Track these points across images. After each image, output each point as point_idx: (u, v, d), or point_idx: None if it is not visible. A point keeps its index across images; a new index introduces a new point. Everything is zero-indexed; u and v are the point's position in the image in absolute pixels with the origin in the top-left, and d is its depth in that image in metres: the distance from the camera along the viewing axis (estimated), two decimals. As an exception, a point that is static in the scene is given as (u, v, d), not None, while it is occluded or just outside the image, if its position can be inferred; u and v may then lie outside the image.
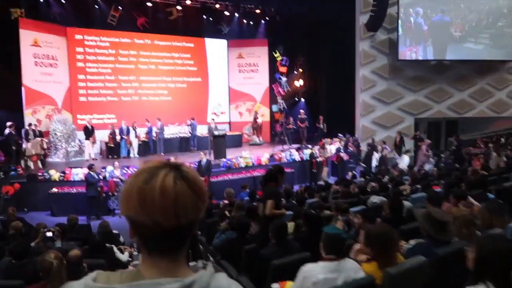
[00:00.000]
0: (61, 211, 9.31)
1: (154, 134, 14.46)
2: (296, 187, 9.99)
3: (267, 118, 18.22)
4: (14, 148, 11.58)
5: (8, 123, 11.56)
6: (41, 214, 9.55)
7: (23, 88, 13.37)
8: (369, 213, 3.70)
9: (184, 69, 17.37)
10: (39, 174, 9.99)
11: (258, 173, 11.42)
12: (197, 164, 10.41)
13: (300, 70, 18.71)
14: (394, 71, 15.84)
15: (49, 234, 4.66)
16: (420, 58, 15.67)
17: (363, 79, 15.77)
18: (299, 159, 12.93)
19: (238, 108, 18.68)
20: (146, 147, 14.35)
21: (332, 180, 11.30)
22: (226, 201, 7.34)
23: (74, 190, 9.61)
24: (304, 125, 15.70)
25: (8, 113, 12.93)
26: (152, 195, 0.82)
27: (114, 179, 9.53)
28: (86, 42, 15.31)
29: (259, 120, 17.19)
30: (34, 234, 5.16)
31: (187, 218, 0.84)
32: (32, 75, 13.61)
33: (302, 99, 18.79)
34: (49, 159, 13.33)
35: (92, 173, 9.25)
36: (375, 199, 5.79)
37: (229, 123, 18.40)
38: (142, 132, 14.51)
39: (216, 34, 17.92)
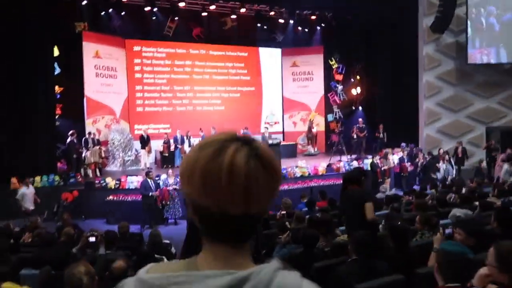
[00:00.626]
0: (116, 219, 9.25)
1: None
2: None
3: (322, 127, 17.53)
4: (75, 156, 11.90)
5: (70, 132, 11.90)
6: (97, 222, 9.56)
7: (85, 99, 13.84)
8: (474, 227, 2.97)
9: (237, 78, 17.24)
10: (96, 181, 10.09)
11: (314, 183, 10.79)
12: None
13: (358, 77, 17.88)
14: (462, 76, 14.60)
15: (92, 239, 4.34)
16: (493, 61, 14.32)
17: (427, 85, 14.68)
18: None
19: (292, 117, 18.19)
20: (200, 157, 14.19)
21: (395, 192, 10.42)
22: (283, 212, 6.81)
23: (129, 198, 9.57)
24: (363, 134, 14.85)
25: (71, 122, 13.43)
26: (218, 175, 0.69)
27: (168, 188, 9.35)
28: (143, 54, 15.65)
29: (314, 130, 16.57)
30: (78, 240, 4.95)
31: (259, 204, 0.72)
32: (93, 86, 14.06)
33: (360, 108, 17.89)
34: (107, 168, 13.62)
35: (149, 180, 9.14)
36: (458, 212, 5.01)
37: (283, 133, 17.92)
38: (196, 141, 14.41)
39: (270, 42, 17.65)
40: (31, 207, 9.13)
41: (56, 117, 13.27)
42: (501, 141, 15.70)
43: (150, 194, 8.99)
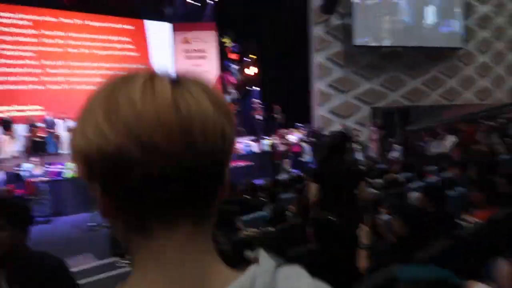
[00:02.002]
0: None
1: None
2: (258, 182, 8.73)
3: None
4: None
5: None
6: None
7: None
8: (411, 213, 2.41)
9: (123, 54, 15.43)
10: None
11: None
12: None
13: (253, 56, 17.50)
14: (349, 58, 15.16)
15: None
16: (375, 44, 15.10)
17: (319, 66, 14.93)
18: (258, 151, 11.72)
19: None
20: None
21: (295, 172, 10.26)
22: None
23: None
24: (260, 115, 14.56)
25: None
26: (129, 100, 0.43)
27: (33, 180, 7.64)
28: (2, 20, 12.92)
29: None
30: None
31: (209, 145, 0.44)
32: None
33: (256, 88, 17.60)
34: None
35: None
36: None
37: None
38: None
39: (159, 16, 16.16)
40: None
41: None
42: (383, 121, 16.96)
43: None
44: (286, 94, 15.48)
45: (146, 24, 16.01)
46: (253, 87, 17.62)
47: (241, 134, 13.93)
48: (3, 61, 12.94)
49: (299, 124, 13.85)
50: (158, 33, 16.34)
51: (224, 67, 16.91)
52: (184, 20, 16.54)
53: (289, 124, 14.12)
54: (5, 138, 11.20)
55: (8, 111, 12.37)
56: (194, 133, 0.44)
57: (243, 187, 6.60)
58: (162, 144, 0.42)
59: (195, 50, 16.89)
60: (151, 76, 0.47)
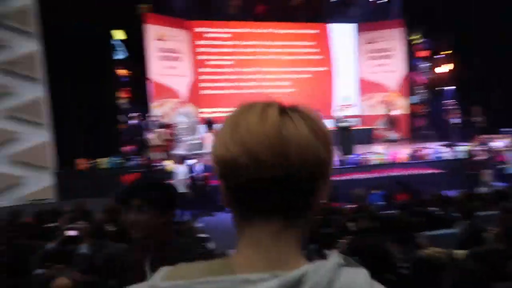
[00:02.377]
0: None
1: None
2: (448, 193, 7.61)
3: (405, 110, 15.61)
4: (138, 139, 11.73)
5: (133, 114, 11.74)
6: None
7: (150, 82, 13.66)
8: None
9: (308, 58, 15.95)
10: (154, 164, 9.67)
11: (394, 173, 9.29)
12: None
13: (447, 52, 15.54)
14: None
15: (72, 233, 3.41)
16: None
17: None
18: (451, 157, 10.26)
19: (370, 100, 16.47)
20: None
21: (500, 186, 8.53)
22: (352, 206, 5.63)
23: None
24: (456, 118, 12.78)
25: (137, 106, 13.32)
26: (247, 123, 0.60)
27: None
28: (207, 35, 15.08)
29: (394, 113, 14.77)
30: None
31: (302, 161, 0.57)
32: (158, 69, 13.82)
33: (450, 88, 15.58)
34: (174, 152, 13.37)
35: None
36: None
37: (359, 116, 16.30)
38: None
39: (343, 17, 16.03)
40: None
41: (124, 101, 13.25)
42: None
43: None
44: (488, 94, 13.17)
45: (330, 27, 16.13)
46: (446, 86, 15.64)
47: (430, 139, 12.56)
48: (208, 70, 15.08)
49: (505, 129, 11.53)
50: (342, 35, 16.26)
51: (411, 66, 15.57)
52: (369, 19, 15.97)
53: (492, 129, 11.91)
54: (208, 135, 12.98)
55: (211, 112, 14.32)
56: (290, 152, 0.57)
57: (429, 197, 5.84)
58: (263, 157, 0.57)
59: (380, 49, 16.13)
60: (267, 105, 0.62)
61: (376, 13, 15.87)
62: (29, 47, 9.69)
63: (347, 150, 10.57)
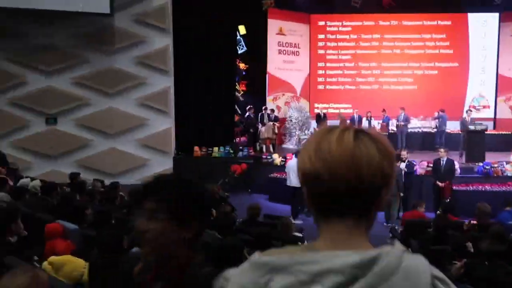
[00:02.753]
0: (277, 197, 8.84)
1: (393, 126, 12.57)
2: None
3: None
4: (251, 130, 12.14)
5: (248, 107, 12.16)
6: (261, 197, 9.38)
7: (267, 76, 13.99)
8: None
9: (436, 52, 14.45)
10: (263, 157, 9.88)
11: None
12: (432, 164, 7.95)
13: None
14: None
15: None
16: None
17: None
18: None
19: (510, 101, 14.27)
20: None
21: None
22: (473, 221, 4.91)
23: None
24: None
25: (253, 99, 13.79)
26: (328, 143, 0.74)
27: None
28: (328, 28, 14.76)
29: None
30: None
31: (370, 175, 0.73)
32: (275, 63, 14.06)
33: None
34: (284, 145, 13.54)
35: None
36: None
37: (494, 120, 14.27)
38: (377, 123, 12.80)
39: (484, 6, 14.10)
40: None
41: (241, 93, 13.84)
42: None
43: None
44: None
45: (466, 17, 14.35)
46: None
47: None
48: (328, 64, 14.79)
49: None
50: (481, 25, 14.34)
51: None
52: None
53: None
54: (319, 131, 12.81)
55: (324, 108, 14.06)
56: (361, 168, 0.72)
57: None
58: (341, 173, 0.71)
59: (529, 42, 13.79)
60: (344, 129, 0.76)
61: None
62: (163, 42, 10.73)
63: (475, 157, 9.33)
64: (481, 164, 8.99)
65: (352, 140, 0.73)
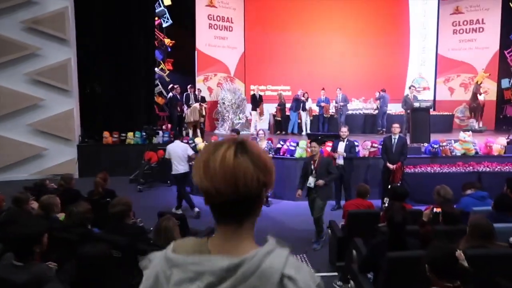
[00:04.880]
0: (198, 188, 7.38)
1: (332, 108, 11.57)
2: None
3: (492, 96, 12.89)
4: (177, 113, 10.53)
5: (170, 86, 10.54)
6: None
7: (196, 53, 12.39)
8: None
9: (377, 29, 13.66)
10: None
11: (487, 168, 7.08)
12: (382, 142, 6.88)
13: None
14: None
15: None
16: None
17: None
18: None
19: (449, 82, 13.91)
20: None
21: None
22: (436, 209, 3.77)
23: None
24: None
25: (182, 77, 12.11)
26: (214, 164, 0.88)
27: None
28: (263, 2, 13.42)
29: (481, 98, 12.17)
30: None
31: (246, 189, 0.88)
32: (205, 39, 12.50)
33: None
34: (216, 131, 12.10)
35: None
36: None
37: (434, 101, 13.81)
38: (310, 102, 11.67)
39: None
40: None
41: (166, 73, 12.12)
42: None
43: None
44: None
45: (407, -6, 13.74)
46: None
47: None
48: (265, 42, 13.42)
49: None
50: (422, 3, 13.81)
51: (508, 41, 12.74)
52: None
53: None
54: (254, 113, 11.46)
55: (262, 90, 12.83)
56: (239, 185, 0.87)
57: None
58: (223, 190, 0.87)
59: (468, 21, 13.43)
60: (227, 148, 0.90)
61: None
62: (60, 3, 8.73)
63: (420, 138, 8.47)
64: (426, 144, 8.13)
65: (232, 159, 0.88)
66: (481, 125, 12.20)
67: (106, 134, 9.05)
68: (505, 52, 12.79)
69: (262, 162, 0.90)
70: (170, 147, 6.53)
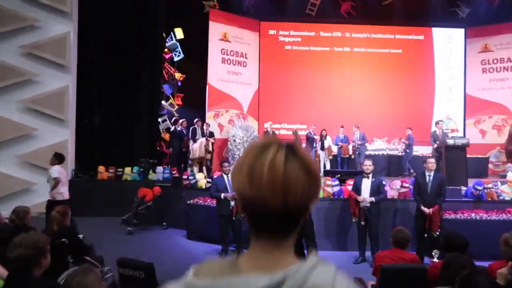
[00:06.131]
0: (196, 232, 6.30)
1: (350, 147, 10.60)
2: None
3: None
4: (183, 149, 9.70)
5: (174, 118, 9.80)
6: (179, 234, 6.79)
7: (207, 87, 11.77)
8: None
9: (399, 68, 12.91)
10: (184, 177, 7.34)
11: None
12: (413, 181, 5.75)
13: None
14: None
15: None
16: None
17: None
18: None
19: (480, 124, 12.80)
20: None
21: None
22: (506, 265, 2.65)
23: (211, 203, 6.35)
24: None
25: (192, 112, 11.40)
26: (260, 171, 0.76)
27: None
28: (280, 38, 12.94)
29: (517, 141, 10.99)
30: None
31: (296, 200, 0.77)
32: (218, 74, 11.91)
33: None
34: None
35: (225, 176, 6.06)
36: None
37: (464, 144, 12.61)
38: (333, 144, 10.75)
39: (449, 20, 12.87)
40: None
41: (175, 108, 11.48)
42: None
43: (222, 196, 5.79)
44: None
45: (433, 32, 13.05)
46: None
47: None
48: (280, 79, 12.80)
49: None
50: (447, 42, 13.08)
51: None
52: (484, 22, 12.57)
53: None
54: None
55: (276, 128, 11.99)
56: (289, 195, 0.74)
57: None
58: (271, 199, 0.74)
59: (498, 60, 12.57)
60: (276, 151, 0.76)
61: (492, 13, 12.43)
62: (62, 28, 8.28)
63: (458, 180, 7.29)
64: (465, 188, 6.94)
65: (283, 164, 0.75)
66: (519, 171, 10.92)
67: (101, 168, 8.23)
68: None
69: (313, 171, 0.79)
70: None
